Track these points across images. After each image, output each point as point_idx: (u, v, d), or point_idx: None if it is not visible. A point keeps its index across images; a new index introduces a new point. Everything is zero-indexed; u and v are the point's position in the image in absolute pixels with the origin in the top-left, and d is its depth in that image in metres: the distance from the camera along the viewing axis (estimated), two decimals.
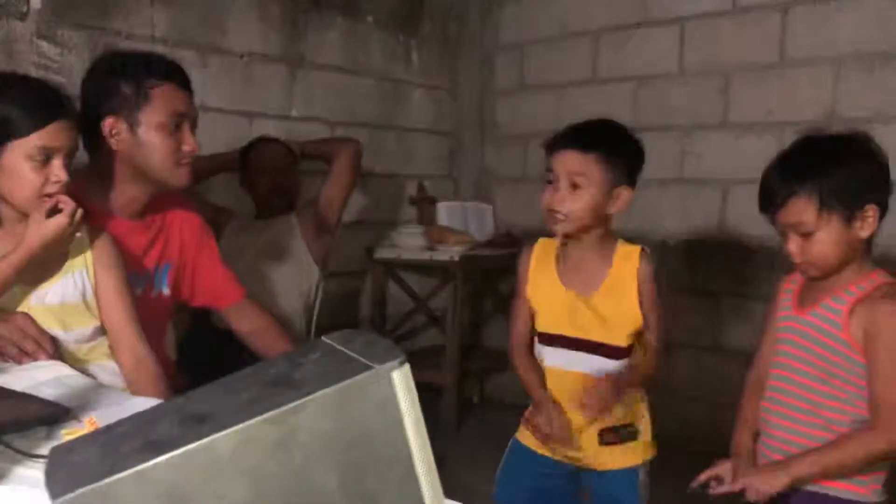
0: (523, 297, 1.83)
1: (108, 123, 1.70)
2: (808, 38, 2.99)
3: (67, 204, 1.44)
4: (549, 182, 1.71)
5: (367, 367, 0.49)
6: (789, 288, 1.59)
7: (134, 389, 1.50)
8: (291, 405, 0.46)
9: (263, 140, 2.82)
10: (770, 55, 3.08)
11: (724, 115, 3.23)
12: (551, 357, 1.78)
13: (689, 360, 3.34)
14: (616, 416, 1.73)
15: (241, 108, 3.09)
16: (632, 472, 1.76)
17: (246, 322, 1.97)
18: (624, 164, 1.70)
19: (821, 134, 1.51)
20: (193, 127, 1.76)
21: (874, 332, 1.39)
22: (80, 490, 0.43)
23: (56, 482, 0.44)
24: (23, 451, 0.93)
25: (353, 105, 3.52)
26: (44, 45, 2.51)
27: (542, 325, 1.79)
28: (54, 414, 1.08)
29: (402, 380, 0.49)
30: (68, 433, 0.97)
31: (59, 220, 1.43)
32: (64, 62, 2.56)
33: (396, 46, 3.72)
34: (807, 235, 1.43)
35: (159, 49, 2.76)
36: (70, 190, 1.47)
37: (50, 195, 1.44)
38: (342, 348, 0.53)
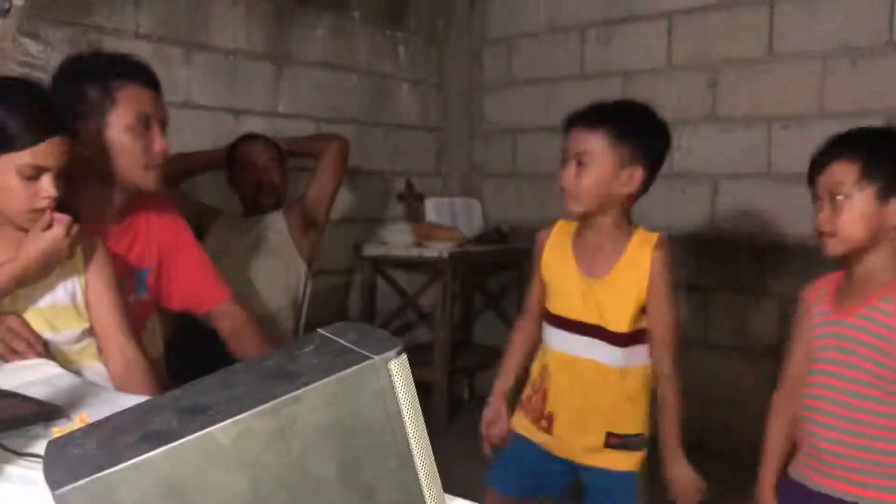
0: (538, 276, 1.83)
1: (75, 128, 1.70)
2: (796, 32, 3.00)
3: (60, 220, 1.43)
4: (564, 161, 1.71)
5: (365, 358, 0.49)
6: (821, 294, 1.55)
7: (123, 390, 1.49)
8: (289, 396, 0.46)
9: (249, 137, 2.80)
10: (758, 49, 3.10)
11: (712, 110, 3.24)
12: (557, 340, 1.77)
13: (680, 355, 3.35)
14: (629, 424, 1.72)
15: (227, 104, 3.07)
16: (630, 475, 1.74)
17: (227, 324, 1.93)
18: (635, 143, 1.66)
19: (876, 126, 1.55)
20: (164, 127, 1.73)
21: None
22: (81, 481, 0.43)
23: (55, 474, 0.44)
24: (14, 449, 0.93)
25: (340, 101, 3.51)
26: (27, 42, 2.49)
27: (554, 307, 1.78)
28: (45, 412, 1.08)
29: (399, 370, 0.49)
30: (59, 431, 0.97)
31: (55, 233, 1.42)
32: (48, 59, 2.54)
33: (383, 42, 3.71)
34: (839, 204, 1.43)
35: (143, 46, 2.74)
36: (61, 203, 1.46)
37: (40, 210, 1.42)
38: (338, 339, 0.53)
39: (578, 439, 1.74)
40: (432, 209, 3.72)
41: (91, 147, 1.67)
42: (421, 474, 0.51)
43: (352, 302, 3.68)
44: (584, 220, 1.73)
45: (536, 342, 1.87)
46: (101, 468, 0.44)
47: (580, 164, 1.66)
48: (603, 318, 1.69)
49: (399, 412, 0.49)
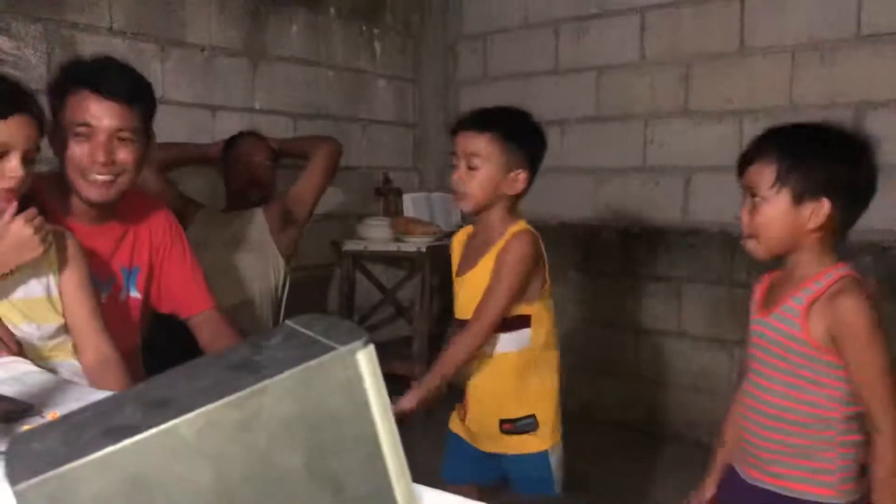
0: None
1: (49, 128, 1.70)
2: (766, 27, 3.04)
3: (25, 214, 1.41)
4: (453, 165, 1.80)
5: (331, 349, 0.49)
6: (757, 291, 1.57)
7: (97, 386, 1.48)
8: (254, 387, 0.46)
9: (247, 135, 2.86)
10: (729, 44, 3.13)
11: (684, 104, 3.27)
12: None
13: (653, 346, 3.38)
14: (516, 408, 1.80)
15: (202, 101, 3.06)
16: (540, 455, 1.81)
17: (206, 333, 1.91)
18: (521, 147, 1.77)
19: (815, 122, 1.50)
20: (115, 140, 1.65)
21: (839, 332, 1.36)
22: (41, 476, 0.43)
23: (16, 470, 0.43)
24: None
25: (317, 97, 3.50)
26: None
27: (456, 311, 1.90)
28: (16, 410, 1.07)
29: (366, 360, 0.50)
30: (29, 429, 0.96)
31: (17, 225, 1.41)
32: (20, 55, 2.51)
33: (359, 38, 3.70)
34: (756, 205, 1.43)
35: (118, 42, 2.72)
36: (34, 188, 1.44)
37: (6, 190, 1.41)
38: (305, 331, 0.53)
39: (481, 430, 1.86)
40: (410, 204, 3.72)
41: (56, 147, 1.68)
42: (390, 466, 0.51)
43: (331, 297, 3.68)
44: (472, 215, 1.84)
45: None
46: (62, 463, 0.44)
47: (470, 166, 1.75)
48: (468, 312, 1.78)
49: (367, 403, 0.49)
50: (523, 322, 1.79)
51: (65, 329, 1.54)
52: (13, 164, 1.40)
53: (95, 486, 0.43)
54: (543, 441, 1.81)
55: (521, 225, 1.78)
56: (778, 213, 1.41)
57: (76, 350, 1.55)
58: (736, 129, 3.10)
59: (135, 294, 1.84)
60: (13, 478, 0.42)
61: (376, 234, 3.50)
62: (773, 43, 3.02)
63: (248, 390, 0.45)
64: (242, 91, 3.21)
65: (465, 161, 1.76)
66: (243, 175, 2.77)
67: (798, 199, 1.40)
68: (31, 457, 0.45)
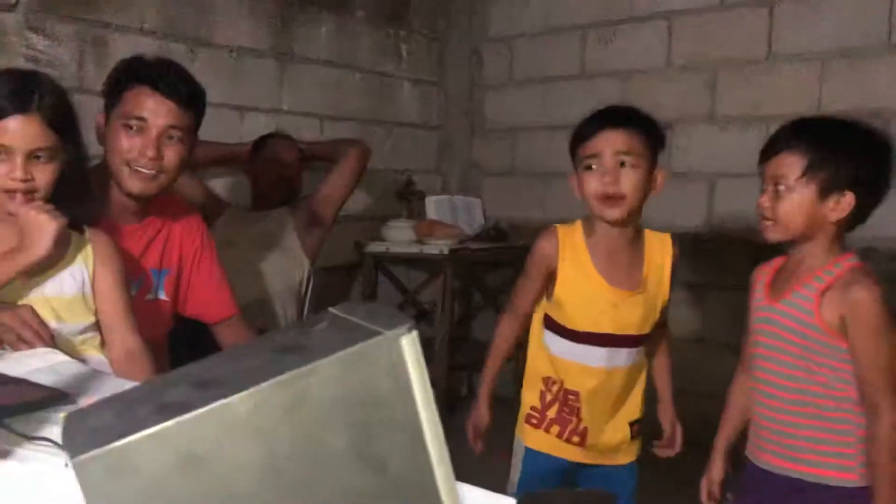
0: (534, 279, 1.73)
1: (96, 121, 1.73)
2: (795, 34, 3.03)
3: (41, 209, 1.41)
4: (588, 168, 1.64)
5: (376, 333, 0.50)
6: (761, 279, 1.60)
7: (123, 378, 1.50)
8: (304, 368, 0.48)
9: (277, 136, 2.89)
10: (757, 50, 3.12)
11: (710, 110, 3.26)
12: (571, 352, 1.70)
13: (674, 353, 3.36)
14: (638, 410, 1.76)
15: (231, 102, 3.09)
16: (632, 465, 1.79)
17: (230, 338, 1.94)
18: (657, 145, 1.68)
19: (841, 117, 1.55)
20: (164, 137, 1.69)
21: (852, 320, 1.40)
22: (100, 449, 0.45)
23: (75, 443, 0.45)
24: (23, 433, 0.94)
25: (343, 99, 3.53)
26: (33, 37, 2.51)
27: (577, 324, 1.68)
28: (53, 398, 1.09)
29: (410, 345, 0.51)
30: (84, 407, 0.98)
31: (23, 214, 1.40)
32: (54, 54, 2.55)
33: (385, 41, 3.73)
34: (781, 194, 1.46)
35: (148, 42, 2.76)
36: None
37: (9, 191, 1.40)
38: (349, 317, 0.55)
39: (609, 442, 1.76)
40: (433, 207, 3.74)
41: (102, 140, 1.72)
42: (431, 450, 0.52)
43: (353, 297, 3.69)
44: (618, 224, 1.66)
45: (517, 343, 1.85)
46: (119, 437, 0.45)
47: (623, 164, 1.61)
48: (637, 326, 1.69)
49: (410, 387, 0.51)
50: None
51: (94, 326, 1.56)
52: (17, 165, 1.39)
53: (150, 461, 0.44)
54: (636, 450, 1.80)
55: (659, 233, 1.77)
56: (803, 204, 1.45)
57: (104, 345, 1.57)
58: (762, 136, 3.04)
59: (162, 296, 1.86)
60: (73, 450, 0.44)
61: (399, 236, 3.51)
62: (801, 50, 3.01)
63: (297, 370, 0.46)
64: (270, 92, 3.24)
65: (616, 160, 1.61)
66: (271, 175, 2.79)
67: (824, 192, 1.44)
68: (88, 431, 0.46)
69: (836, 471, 1.46)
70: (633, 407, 1.77)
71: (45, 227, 1.39)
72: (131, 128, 1.68)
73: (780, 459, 1.52)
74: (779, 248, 1.57)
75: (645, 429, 1.82)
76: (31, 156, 1.41)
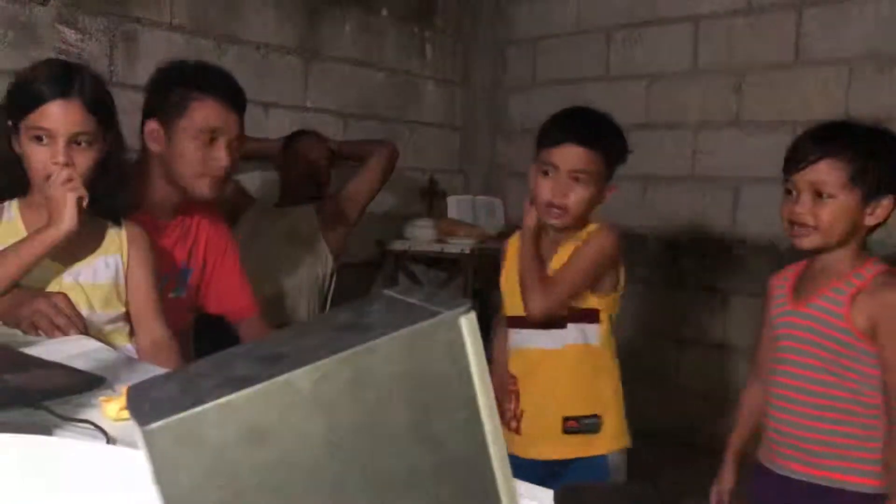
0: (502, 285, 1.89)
1: (149, 126, 1.77)
2: (823, 38, 3.01)
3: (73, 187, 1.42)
4: (545, 173, 1.73)
5: (436, 313, 0.51)
6: (782, 284, 1.61)
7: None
8: (366, 345, 0.48)
9: (307, 133, 2.92)
10: (784, 55, 3.10)
11: (736, 114, 3.24)
12: (512, 339, 1.84)
13: (697, 358, 3.36)
14: (581, 406, 1.75)
15: (256, 98, 3.10)
16: (598, 459, 1.75)
17: (252, 336, 1.96)
18: (616, 161, 1.75)
19: (865, 122, 1.55)
20: (232, 145, 1.78)
21: (883, 323, 1.41)
22: (169, 419, 0.45)
23: (142, 413, 0.46)
24: (64, 415, 0.96)
25: (367, 98, 3.54)
26: (65, 30, 2.54)
27: (508, 309, 1.85)
28: (91, 382, 1.10)
29: (468, 326, 0.51)
30: (106, 400, 0.99)
31: (51, 191, 1.40)
32: (85, 48, 2.58)
33: (410, 40, 3.74)
34: (823, 202, 1.45)
35: (177, 37, 2.78)
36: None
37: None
38: (406, 298, 0.55)
39: (538, 432, 1.77)
40: (454, 206, 3.75)
41: (162, 146, 1.76)
42: (487, 430, 0.53)
43: None
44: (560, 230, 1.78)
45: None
46: (187, 408, 0.46)
47: (576, 180, 1.70)
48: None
49: (468, 367, 0.51)
50: (591, 316, 1.77)
51: (124, 316, 1.58)
52: (58, 149, 1.41)
53: (217, 432, 0.45)
54: (605, 444, 1.76)
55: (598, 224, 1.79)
56: (847, 210, 1.45)
57: (133, 334, 1.59)
58: (788, 141, 3.05)
59: (183, 294, 1.90)
60: (141, 419, 0.45)
61: (420, 235, 3.53)
62: (829, 55, 2.99)
63: (360, 347, 0.47)
64: (295, 89, 3.26)
65: (569, 176, 1.71)
66: (300, 172, 2.82)
67: (868, 198, 1.44)
68: (154, 402, 0.47)
69: (861, 476, 1.46)
70: (572, 401, 1.76)
71: (66, 199, 1.40)
72: (206, 140, 1.74)
73: (801, 465, 1.51)
74: (802, 255, 1.56)
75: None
76: (73, 140, 1.43)
